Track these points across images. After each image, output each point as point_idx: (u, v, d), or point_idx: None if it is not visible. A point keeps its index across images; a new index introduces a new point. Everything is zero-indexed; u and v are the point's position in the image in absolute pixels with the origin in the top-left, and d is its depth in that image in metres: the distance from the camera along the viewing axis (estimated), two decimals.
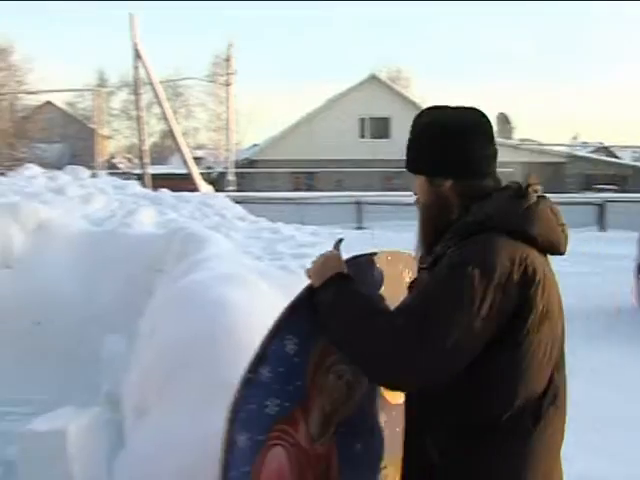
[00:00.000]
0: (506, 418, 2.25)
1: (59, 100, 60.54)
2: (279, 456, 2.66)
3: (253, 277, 4.39)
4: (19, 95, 53.59)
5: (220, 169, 44.73)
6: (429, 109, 2.58)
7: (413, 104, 44.03)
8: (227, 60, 39.74)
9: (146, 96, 34.48)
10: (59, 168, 18.73)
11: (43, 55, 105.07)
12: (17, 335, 6.23)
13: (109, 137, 58.32)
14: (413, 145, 2.54)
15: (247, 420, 2.56)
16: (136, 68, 28.78)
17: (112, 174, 25.91)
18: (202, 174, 30.29)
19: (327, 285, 2.46)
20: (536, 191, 2.40)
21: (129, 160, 61.58)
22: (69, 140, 54.85)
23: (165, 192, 12.38)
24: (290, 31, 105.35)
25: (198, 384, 3.24)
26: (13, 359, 6.14)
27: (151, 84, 28.61)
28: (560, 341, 2.38)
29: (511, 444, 2.27)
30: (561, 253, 2.44)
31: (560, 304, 2.40)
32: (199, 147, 61.62)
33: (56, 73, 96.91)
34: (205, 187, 25.88)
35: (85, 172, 13.80)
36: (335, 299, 2.42)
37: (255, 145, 51.75)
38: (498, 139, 2.72)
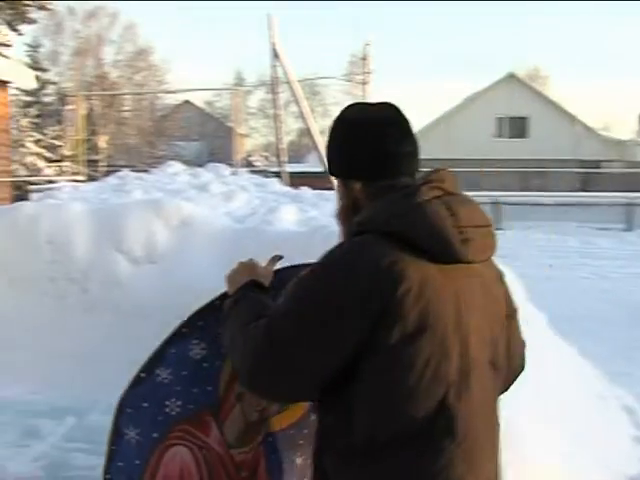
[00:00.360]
0: (387, 440, 2.02)
1: (197, 99, 62.10)
2: (183, 456, 2.75)
3: None
4: (159, 94, 55.19)
5: None
6: (344, 108, 2.37)
7: (552, 103, 43.19)
8: (364, 59, 39.63)
9: (283, 95, 34.83)
10: (198, 165, 19.15)
11: (182, 55, 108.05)
12: (161, 329, 6.42)
13: (246, 135, 59.36)
14: (328, 146, 2.37)
15: (136, 416, 2.72)
16: (274, 67, 29.14)
17: (253, 172, 26.32)
18: None
19: (236, 292, 2.40)
20: (436, 188, 2.14)
21: (266, 158, 62.47)
22: (207, 138, 56.13)
23: (306, 190, 12.50)
24: (427, 30, 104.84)
25: None
26: None
27: (289, 83, 28.94)
28: (462, 362, 2.06)
29: (395, 468, 2.03)
30: (462, 261, 2.10)
31: (463, 319, 2.08)
32: None
33: (194, 73, 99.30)
34: None
35: (226, 169, 14.06)
36: (233, 306, 2.34)
37: None
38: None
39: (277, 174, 27.10)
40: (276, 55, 28.67)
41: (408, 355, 1.99)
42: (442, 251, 2.05)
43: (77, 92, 40.48)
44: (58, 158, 40.43)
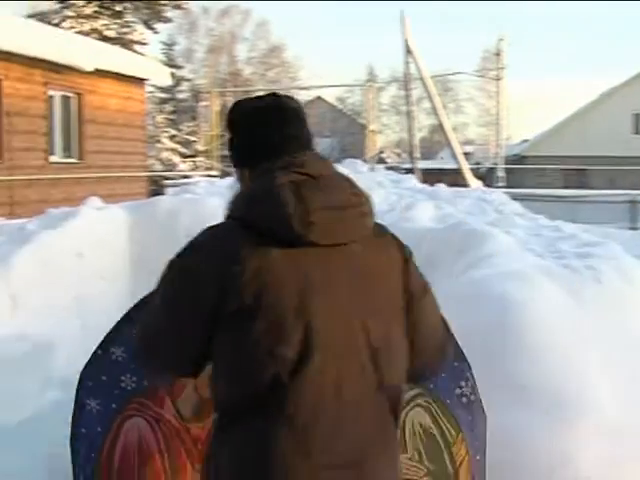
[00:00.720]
0: (231, 412, 2.18)
1: (329, 95, 62.58)
2: (141, 426, 3.07)
3: (536, 275, 4.32)
4: (291, 91, 55.85)
5: (489, 165, 44.23)
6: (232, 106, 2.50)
7: None
8: (497, 54, 39.06)
9: (416, 91, 34.69)
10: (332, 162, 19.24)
11: (314, 52, 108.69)
12: None
13: (378, 132, 59.49)
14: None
15: (96, 389, 3.06)
16: (407, 64, 29.06)
17: (389, 168, 26.33)
18: (470, 169, 30.09)
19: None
20: (294, 173, 2.18)
21: (398, 155, 62.41)
22: (338, 135, 56.41)
23: (441, 187, 12.40)
24: (559, 25, 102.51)
25: (481, 379, 3.22)
26: None
27: (421, 79, 28.80)
28: (305, 346, 2.09)
29: (235, 440, 2.16)
30: (308, 244, 2.11)
31: (310, 304, 2.10)
32: (468, 142, 61.36)
33: (327, 69, 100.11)
34: (475, 182, 25.72)
35: (363, 166, 14.09)
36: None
37: (525, 141, 50.72)
38: None
39: (409, 171, 27.03)
40: (409, 51, 28.59)
41: (241, 335, 2.09)
42: (284, 235, 2.10)
43: (211, 89, 41.43)
44: (192, 153, 41.43)
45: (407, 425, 3.15)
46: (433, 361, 2.48)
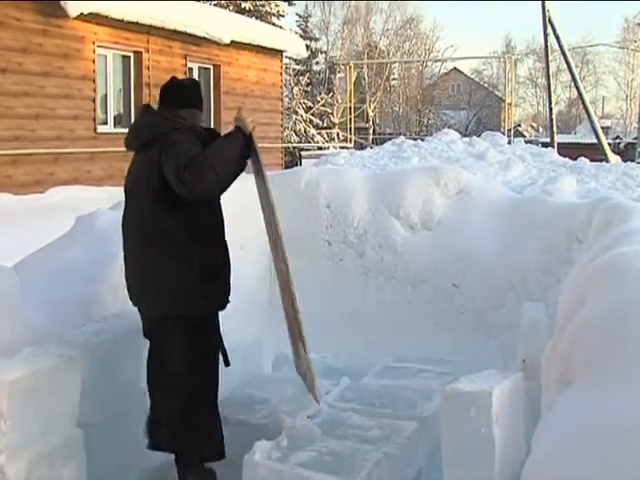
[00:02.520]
0: None
1: (465, 67, 61.60)
2: None
3: None
4: (427, 63, 55.24)
5: (629, 140, 42.75)
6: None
7: None
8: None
9: (552, 64, 33.78)
10: (465, 135, 18.91)
11: (451, 23, 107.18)
12: (435, 296, 6.42)
13: (515, 105, 58.39)
14: None
15: None
16: (546, 35, 28.24)
17: (528, 142, 25.79)
18: (609, 144, 29.13)
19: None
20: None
21: (535, 128, 61.10)
22: (474, 107, 55.56)
23: (584, 161, 12.05)
24: None
25: (632, 357, 3.10)
26: (431, 319, 6.35)
27: (562, 51, 27.96)
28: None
29: None
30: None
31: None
32: (607, 116, 59.47)
33: (463, 41, 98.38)
34: (613, 158, 24.90)
35: (503, 139, 13.88)
36: None
37: None
38: None
39: (546, 144, 26.38)
40: (550, 22, 27.82)
41: None
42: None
43: (347, 61, 41.31)
44: (328, 125, 41.53)
45: None
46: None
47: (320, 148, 31.63)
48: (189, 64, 19.83)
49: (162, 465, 4.44)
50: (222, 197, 4.47)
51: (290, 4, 41.36)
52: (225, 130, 4.61)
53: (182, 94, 4.68)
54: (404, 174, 6.94)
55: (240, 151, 4.33)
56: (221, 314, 4.43)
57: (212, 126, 21.04)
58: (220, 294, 4.49)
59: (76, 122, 16.26)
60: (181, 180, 4.04)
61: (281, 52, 24.52)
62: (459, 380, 3.77)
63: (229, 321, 6.19)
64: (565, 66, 29.35)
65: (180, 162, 4.05)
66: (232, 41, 20.53)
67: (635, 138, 38.61)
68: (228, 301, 4.55)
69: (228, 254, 4.59)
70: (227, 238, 4.58)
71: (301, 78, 42.06)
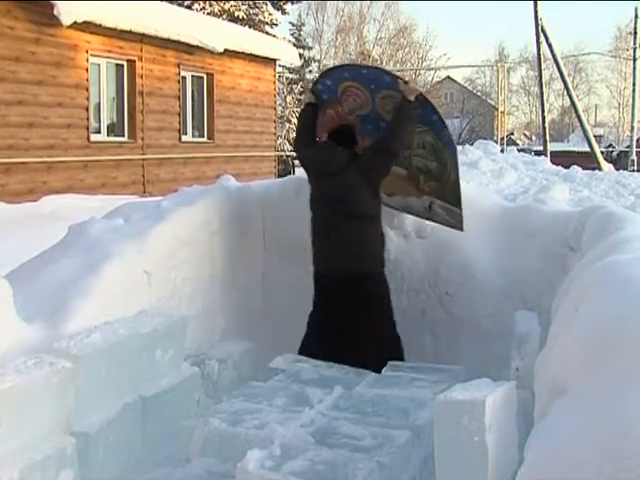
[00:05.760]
0: None
1: (459, 76, 61.82)
2: (331, 113, 6.44)
3: None
4: (420, 71, 55.36)
5: (621, 148, 42.84)
6: None
7: None
8: (632, 33, 37.71)
9: (545, 72, 33.89)
10: (458, 143, 18.95)
11: (444, 32, 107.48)
12: (429, 304, 6.42)
13: (508, 113, 58.53)
14: None
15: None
16: (538, 44, 28.35)
17: (521, 150, 25.87)
18: (601, 152, 29.22)
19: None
20: None
21: (527, 137, 61.24)
22: (467, 115, 55.73)
23: (576, 169, 12.08)
24: None
25: (623, 366, 3.10)
26: (425, 327, 6.35)
27: (554, 59, 28.07)
28: None
29: None
30: None
31: None
32: (599, 125, 59.65)
33: (457, 49, 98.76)
34: (606, 166, 24.97)
35: (496, 147, 13.94)
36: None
37: None
38: None
39: (538, 153, 26.43)
40: (542, 31, 27.91)
41: None
42: None
43: None
44: None
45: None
46: None
47: None
48: (182, 73, 19.85)
49: (156, 475, 4.42)
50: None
51: (284, 13, 41.44)
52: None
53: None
54: None
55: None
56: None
57: (205, 133, 21.07)
58: None
59: (69, 131, 16.25)
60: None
61: (274, 61, 24.56)
62: (452, 389, 3.77)
63: (221, 330, 6.20)
64: (558, 74, 29.47)
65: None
66: (225, 50, 20.56)
67: (628, 146, 38.74)
68: None
69: None
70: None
71: (294, 86, 42.11)
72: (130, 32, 17.25)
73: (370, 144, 6.09)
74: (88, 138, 16.70)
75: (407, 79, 6.19)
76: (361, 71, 6.26)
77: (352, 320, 5.92)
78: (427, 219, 6.38)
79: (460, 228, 6.20)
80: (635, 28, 38.04)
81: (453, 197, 6.15)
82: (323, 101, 6.47)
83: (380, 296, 6.04)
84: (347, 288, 5.91)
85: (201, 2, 36.55)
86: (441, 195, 6.26)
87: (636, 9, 37.40)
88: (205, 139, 20.90)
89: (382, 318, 6.00)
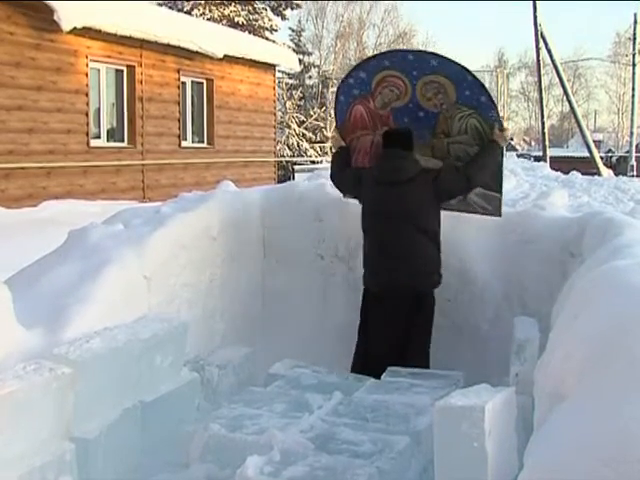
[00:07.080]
0: None
1: None
2: (360, 109, 6.42)
3: None
4: None
5: (621, 153, 42.86)
6: None
7: None
8: (631, 39, 37.72)
9: (544, 78, 33.92)
10: None
11: (444, 37, 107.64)
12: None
13: (508, 118, 58.48)
14: None
15: (341, 104, 6.58)
16: (538, 49, 28.38)
17: (520, 156, 25.87)
18: (601, 158, 29.23)
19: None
20: None
21: (527, 142, 61.27)
22: None
23: (576, 175, 12.09)
24: None
25: (623, 372, 3.10)
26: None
27: (554, 65, 28.09)
28: None
29: None
30: None
31: None
32: (599, 130, 59.70)
33: (456, 55, 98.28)
34: (605, 171, 24.98)
35: None
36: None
37: None
38: None
39: (538, 158, 26.44)
40: (542, 36, 27.93)
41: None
42: None
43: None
44: (320, 139, 41.61)
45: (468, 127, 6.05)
46: None
47: (313, 162, 31.71)
48: (182, 78, 19.86)
49: None
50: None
51: (283, 19, 41.50)
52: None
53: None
54: None
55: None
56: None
57: (205, 139, 21.08)
58: None
59: (69, 136, 16.26)
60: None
61: (274, 66, 24.59)
62: (452, 395, 3.77)
63: (221, 336, 6.20)
64: (557, 80, 29.48)
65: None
66: (225, 55, 20.57)
67: (627, 151, 38.77)
68: None
69: None
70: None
71: (294, 92, 42.17)
72: (130, 37, 17.26)
73: (453, 166, 6.02)
74: (88, 143, 16.70)
75: (505, 126, 6.17)
76: (407, 57, 6.06)
77: (408, 340, 5.91)
78: (458, 211, 6.30)
79: (498, 214, 6.18)
80: (634, 34, 38.09)
81: (494, 182, 6.13)
82: (354, 97, 6.39)
83: (432, 312, 6.04)
84: (407, 306, 5.92)
85: (201, 7, 36.61)
86: None
87: (635, 15, 37.47)
88: (205, 144, 20.92)
89: (428, 335, 6.01)
